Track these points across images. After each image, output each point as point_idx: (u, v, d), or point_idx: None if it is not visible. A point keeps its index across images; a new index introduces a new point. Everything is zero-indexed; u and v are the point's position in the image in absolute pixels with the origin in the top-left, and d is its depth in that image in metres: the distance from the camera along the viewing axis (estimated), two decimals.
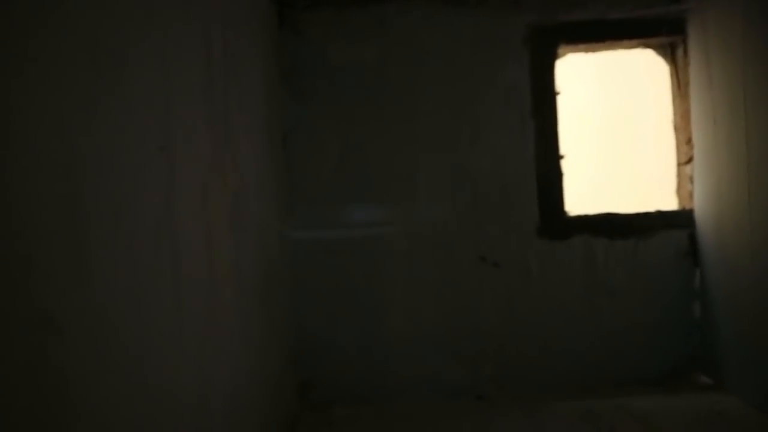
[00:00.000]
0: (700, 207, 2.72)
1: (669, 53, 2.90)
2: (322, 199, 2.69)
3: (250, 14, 2.22)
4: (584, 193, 2.85)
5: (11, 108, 0.89)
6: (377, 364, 2.70)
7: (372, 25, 2.70)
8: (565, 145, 2.77)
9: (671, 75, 2.91)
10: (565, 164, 2.76)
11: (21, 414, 0.88)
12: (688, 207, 2.80)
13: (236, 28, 2.02)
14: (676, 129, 2.88)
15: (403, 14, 2.71)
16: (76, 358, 1.01)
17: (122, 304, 1.17)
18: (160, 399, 1.31)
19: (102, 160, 1.13)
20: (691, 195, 2.80)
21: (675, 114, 2.88)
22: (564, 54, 2.86)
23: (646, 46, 2.91)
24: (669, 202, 2.87)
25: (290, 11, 2.65)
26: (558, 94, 2.76)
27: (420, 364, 2.69)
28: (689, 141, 2.80)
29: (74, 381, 0.99)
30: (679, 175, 2.88)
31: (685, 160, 2.83)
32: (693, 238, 2.74)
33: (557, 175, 2.75)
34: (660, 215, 2.80)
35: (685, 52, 2.81)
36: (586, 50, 2.89)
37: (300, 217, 2.67)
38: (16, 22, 0.92)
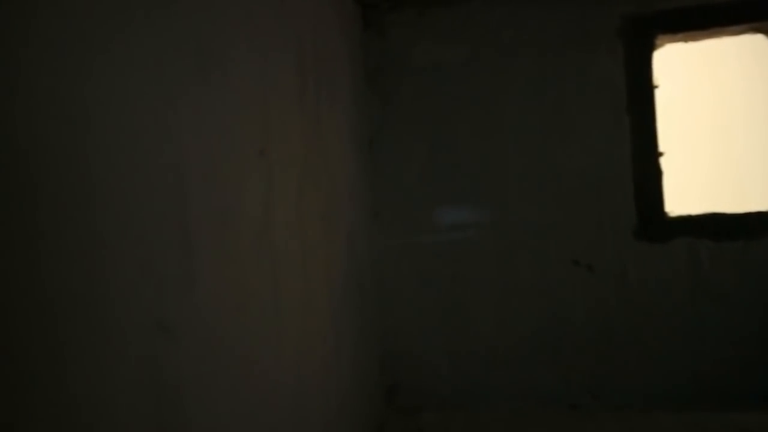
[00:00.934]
0: None
1: None
2: (409, 202, 2.66)
3: (337, 19, 2.22)
4: (687, 192, 2.67)
5: (122, 110, 0.91)
6: (466, 369, 2.64)
7: (456, 25, 2.65)
8: (664, 141, 2.61)
9: None
10: (664, 162, 2.60)
11: (144, 406, 0.90)
12: None
13: (325, 33, 2.03)
14: None
15: (488, 11, 2.64)
16: (188, 360, 1.02)
17: (227, 310, 1.19)
18: (261, 399, 1.32)
19: (207, 163, 1.14)
20: None
21: None
22: (662, 44, 2.69)
23: (757, 30, 2.69)
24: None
25: (374, 13, 2.64)
26: (656, 87, 2.60)
27: (510, 370, 2.61)
28: None
29: (187, 379, 1.01)
30: None
31: None
32: None
33: (656, 174, 2.59)
34: None
35: None
36: (687, 39, 2.71)
37: (386, 220, 2.65)
38: (126, 23, 0.93)
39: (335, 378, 1.94)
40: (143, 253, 0.93)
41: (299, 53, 1.70)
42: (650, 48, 2.63)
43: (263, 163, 1.37)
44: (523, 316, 2.62)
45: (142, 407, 0.89)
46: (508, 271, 2.62)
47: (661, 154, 2.60)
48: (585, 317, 2.59)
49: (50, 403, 0.72)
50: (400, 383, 2.66)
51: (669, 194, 2.61)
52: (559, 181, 2.61)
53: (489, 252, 2.63)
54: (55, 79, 0.76)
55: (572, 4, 2.61)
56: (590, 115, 2.60)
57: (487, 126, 2.64)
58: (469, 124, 2.65)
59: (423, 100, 2.66)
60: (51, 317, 0.74)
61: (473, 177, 2.64)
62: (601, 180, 2.60)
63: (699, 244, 2.57)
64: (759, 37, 2.70)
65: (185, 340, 1.01)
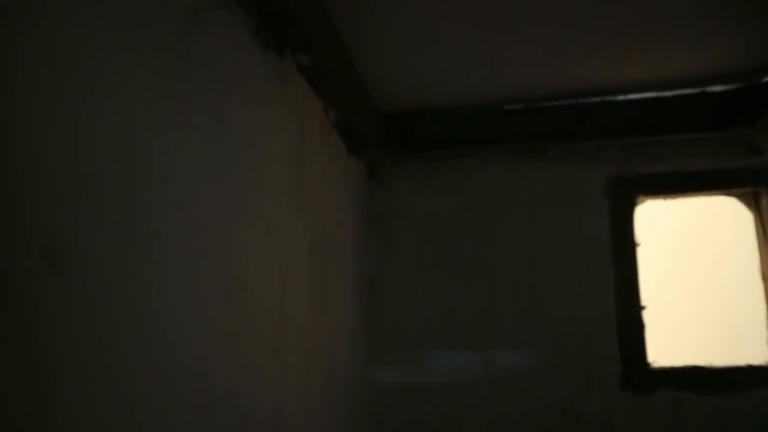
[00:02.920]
0: None
1: (753, 202, 2.90)
2: (405, 344, 2.78)
3: (344, 180, 2.43)
4: (670, 344, 2.80)
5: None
6: None
7: (455, 179, 2.88)
8: (646, 294, 2.77)
9: (756, 223, 2.89)
10: (646, 315, 2.75)
11: None
12: None
13: (334, 199, 2.22)
14: (764, 278, 2.82)
15: (484, 168, 2.87)
16: None
17: None
18: None
19: (232, 369, 1.27)
20: None
21: (762, 263, 2.84)
22: (643, 201, 2.91)
23: (729, 194, 2.92)
24: (761, 356, 2.77)
25: (378, 166, 2.87)
26: (638, 245, 2.79)
27: None
28: None
29: None
30: None
31: None
32: None
33: (639, 326, 2.73)
34: (752, 370, 2.70)
35: None
36: (666, 198, 2.93)
37: (382, 361, 2.76)
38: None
39: None
40: None
41: (313, 230, 1.88)
42: (632, 207, 2.84)
43: (277, 358, 1.51)
44: None
45: None
46: (498, 416, 2.70)
47: (643, 308, 2.76)
48: None
49: None
50: None
51: (654, 345, 2.74)
52: (547, 329, 2.74)
53: (479, 396, 2.72)
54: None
55: (561, 165, 2.85)
56: (578, 268, 2.78)
57: (481, 274, 2.80)
58: (464, 272, 2.81)
59: (422, 247, 2.84)
60: None
61: (466, 323, 2.77)
62: (587, 330, 2.73)
63: (682, 396, 2.67)
64: (731, 200, 2.93)
65: None
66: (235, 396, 1.28)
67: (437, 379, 2.74)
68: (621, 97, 2.77)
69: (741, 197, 2.92)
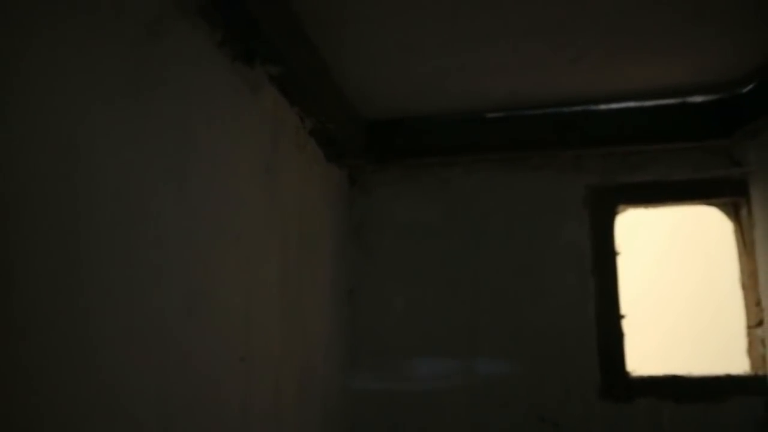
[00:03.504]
0: None
1: (733, 212, 2.90)
2: (384, 352, 2.78)
3: (323, 189, 2.43)
4: (648, 354, 2.81)
5: None
6: None
7: (436, 186, 2.88)
8: (626, 303, 2.77)
9: (736, 233, 2.90)
10: (626, 324, 2.75)
11: None
12: (761, 372, 2.70)
13: (311, 206, 2.22)
14: (744, 288, 2.83)
15: (466, 176, 2.88)
16: None
17: None
18: None
19: (198, 376, 1.27)
20: (764, 359, 2.70)
21: (742, 273, 2.84)
22: (624, 210, 2.92)
23: (709, 204, 2.93)
24: (740, 365, 2.77)
25: (359, 173, 2.87)
26: (618, 254, 2.80)
27: None
28: (758, 303, 2.73)
29: None
30: (750, 336, 2.79)
31: (755, 323, 2.76)
32: None
33: (618, 335, 2.74)
34: (731, 379, 2.70)
35: (749, 212, 2.81)
36: (646, 207, 2.94)
37: (360, 369, 2.76)
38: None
39: None
40: None
41: (284, 240, 1.89)
42: (612, 216, 2.85)
43: (243, 366, 1.51)
44: None
45: None
46: (477, 425, 2.70)
47: (622, 317, 2.76)
48: None
49: None
50: None
51: (631, 355, 2.75)
52: (527, 338, 2.74)
53: (458, 404, 2.73)
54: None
55: (543, 174, 2.86)
56: (558, 277, 2.78)
57: (461, 282, 2.81)
58: (445, 279, 2.81)
59: (403, 254, 2.85)
60: None
61: (447, 331, 2.77)
62: (567, 338, 2.74)
63: (661, 405, 2.67)
64: (712, 209, 2.94)
65: None
66: (196, 408, 1.28)
67: (417, 387, 2.74)
68: (602, 107, 2.78)
69: (721, 207, 2.93)
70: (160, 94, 1.18)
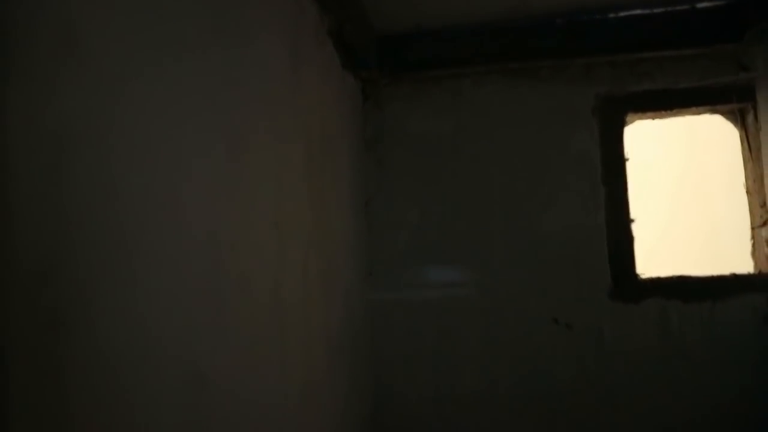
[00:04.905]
0: None
1: (739, 119, 2.96)
2: (400, 261, 2.86)
3: (339, 96, 2.47)
4: (658, 256, 2.90)
5: (179, 186, 1.12)
6: (452, 418, 2.78)
7: (448, 99, 2.92)
8: (635, 209, 2.85)
9: (742, 140, 2.96)
10: (635, 228, 2.83)
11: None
12: (765, 270, 2.80)
13: (329, 111, 2.27)
14: (749, 193, 2.90)
15: (477, 88, 2.91)
16: (218, 405, 1.20)
17: (245, 357, 1.36)
18: None
19: (235, 232, 1.34)
20: (767, 258, 2.80)
21: (747, 178, 2.91)
22: (632, 121, 2.97)
23: (715, 112, 2.98)
24: (745, 266, 2.87)
25: (373, 88, 2.90)
26: (627, 160, 2.86)
27: (493, 419, 2.76)
28: (764, 204, 2.82)
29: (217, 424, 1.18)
30: (754, 238, 2.88)
31: (760, 224, 2.85)
32: None
33: (628, 239, 2.82)
34: (736, 278, 2.80)
35: (756, 117, 2.86)
36: (654, 117, 2.99)
37: (379, 278, 2.84)
38: (182, 120, 1.16)
39: (332, 420, 2.09)
40: (182, 311, 1.11)
41: (308, 135, 1.93)
42: (621, 125, 2.90)
43: (276, 233, 1.58)
44: (505, 369, 2.79)
45: None
46: (492, 327, 2.81)
47: (632, 221, 2.84)
48: (564, 372, 2.77)
49: None
50: (389, 429, 2.80)
51: (640, 258, 2.84)
52: (540, 244, 2.82)
53: (474, 309, 2.82)
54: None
55: (553, 84, 2.90)
56: (569, 185, 2.85)
57: (474, 192, 2.87)
58: (458, 190, 2.88)
59: (416, 166, 2.90)
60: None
61: (461, 239, 2.85)
62: (578, 244, 2.82)
63: (669, 304, 2.78)
64: (718, 117, 2.99)
65: (215, 387, 1.19)
66: (236, 265, 1.35)
67: (433, 294, 2.83)
68: (610, 15, 2.80)
69: (727, 115, 2.98)
70: None
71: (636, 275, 2.83)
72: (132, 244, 0.96)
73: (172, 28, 1.12)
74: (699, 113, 2.99)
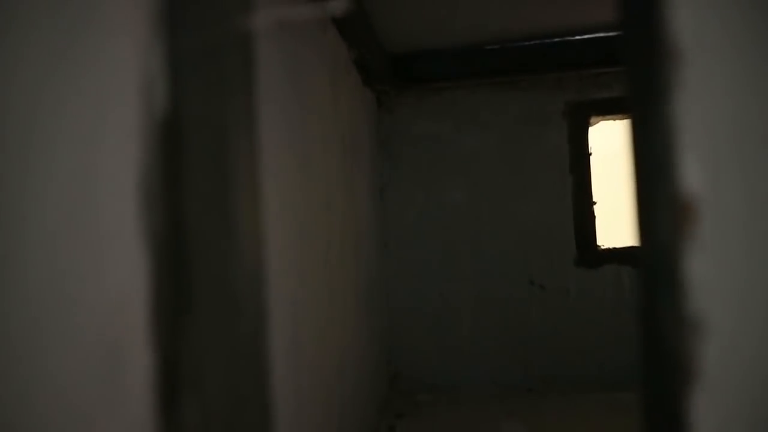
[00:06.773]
0: None
1: None
2: (409, 236, 3.58)
3: (361, 106, 3.17)
4: (615, 231, 3.61)
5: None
6: (451, 362, 3.52)
7: (446, 105, 3.61)
8: (597, 193, 3.56)
9: None
10: (597, 209, 3.54)
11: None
12: None
13: (356, 119, 2.97)
14: None
15: (469, 97, 3.61)
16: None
17: (304, 301, 2.07)
18: (310, 377, 2.19)
19: (305, 217, 2.04)
20: None
21: None
22: (596, 122, 3.67)
23: None
24: None
25: (385, 97, 3.60)
26: (591, 154, 3.56)
27: (484, 362, 3.50)
28: None
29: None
30: None
31: None
32: None
33: (591, 218, 3.53)
34: None
35: None
36: (614, 119, 3.69)
37: (393, 249, 3.56)
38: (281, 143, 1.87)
39: (361, 362, 2.81)
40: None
41: (343, 140, 2.63)
42: (587, 125, 3.60)
43: (327, 212, 2.28)
44: (493, 321, 3.52)
45: None
46: (482, 288, 3.53)
47: (594, 203, 3.55)
48: (539, 323, 3.50)
49: None
50: (401, 371, 3.54)
51: (601, 232, 3.55)
52: (519, 221, 3.54)
53: (467, 274, 3.54)
54: None
55: (531, 93, 3.59)
56: (543, 175, 3.55)
57: (467, 180, 3.58)
58: (454, 179, 3.59)
59: (420, 161, 3.61)
60: None
61: (456, 218, 3.57)
62: (550, 221, 3.53)
63: (622, 270, 3.50)
64: None
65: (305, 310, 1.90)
66: (304, 234, 2.05)
67: (434, 263, 3.55)
68: (577, 37, 3.48)
69: None
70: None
71: (596, 246, 3.54)
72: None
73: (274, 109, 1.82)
74: None
